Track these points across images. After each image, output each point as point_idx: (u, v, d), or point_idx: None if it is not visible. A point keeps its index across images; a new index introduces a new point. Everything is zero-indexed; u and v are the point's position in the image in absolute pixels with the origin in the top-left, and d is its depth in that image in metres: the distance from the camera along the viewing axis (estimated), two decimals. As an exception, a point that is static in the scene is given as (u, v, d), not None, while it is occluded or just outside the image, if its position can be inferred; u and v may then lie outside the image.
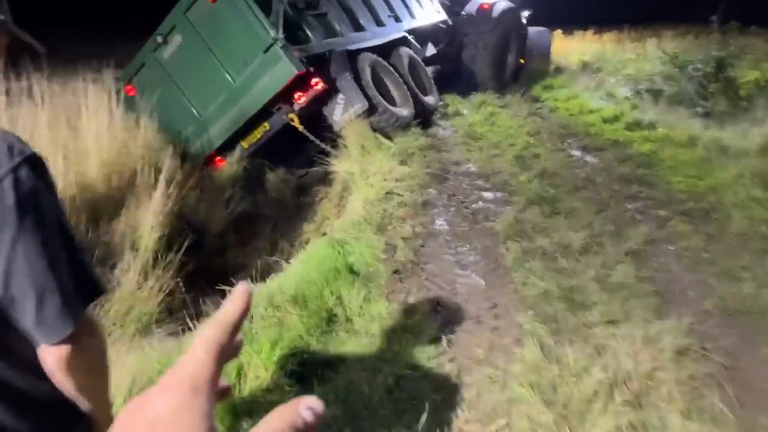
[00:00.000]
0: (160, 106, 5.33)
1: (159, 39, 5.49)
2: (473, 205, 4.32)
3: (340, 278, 3.03)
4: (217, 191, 5.35)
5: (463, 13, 10.42)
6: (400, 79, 6.79)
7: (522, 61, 11.19)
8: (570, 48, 15.00)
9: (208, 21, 5.27)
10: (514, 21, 10.57)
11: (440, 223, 3.97)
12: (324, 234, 4.84)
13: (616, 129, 6.20)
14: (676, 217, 3.79)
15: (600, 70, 11.41)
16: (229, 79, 5.44)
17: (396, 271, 3.18)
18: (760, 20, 12.66)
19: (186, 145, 5.79)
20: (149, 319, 3.00)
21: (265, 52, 5.15)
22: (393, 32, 7.56)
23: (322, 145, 5.81)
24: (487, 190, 4.67)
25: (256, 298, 2.83)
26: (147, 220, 3.50)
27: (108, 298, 2.90)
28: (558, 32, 15.36)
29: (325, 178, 6.08)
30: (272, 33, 5.03)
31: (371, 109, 5.94)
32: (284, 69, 5.17)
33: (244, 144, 5.93)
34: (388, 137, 6.07)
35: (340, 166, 5.63)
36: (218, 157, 5.95)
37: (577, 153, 5.60)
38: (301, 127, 5.66)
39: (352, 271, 3.20)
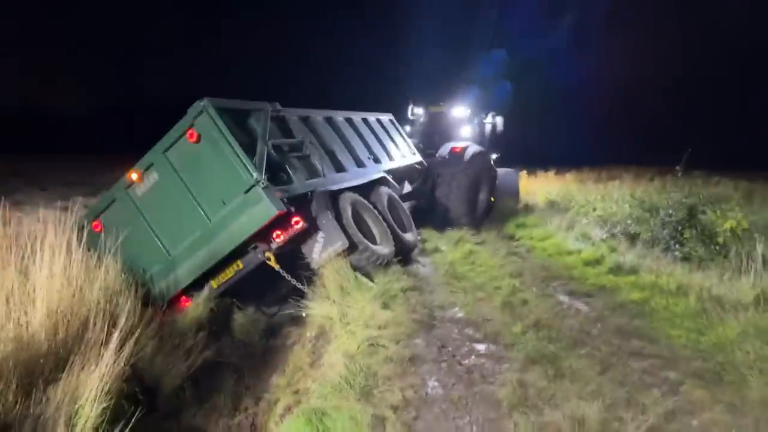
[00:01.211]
0: (127, 245, 5.03)
1: (134, 177, 5.32)
2: (466, 361, 3.92)
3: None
4: (178, 338, 4.80)
5: (437, 155, 10.98)
6: (380, 217, 6.74)
7: (492, 199, 11.61)
8: (535, 186, 15.78)
9: (187, 160, 5.19)
10: (484, 163, 11.14)
11: (433, 385, 3.52)
12: (296, 392, 4.30)
13: (599, 273, 6.11)
14: (688, 381, 3.48)
15: (568, 210, 11.84)
16: (205, 217, 5.22)
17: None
18: (720, 169, 13.74)
19: (151, 285, 5.37)
20: None
21: (246, 192, 5.02)
22: (373, 172, 7.70)
23: (298, 285, 5.48)
24: (478, 341, 4.31)
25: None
26: (91, 386, 2.95)
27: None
28: (522, 173, 16.26)
29: (299, 320, 5.65)
30: (255, 175, 4.93)
31: (351, 248, 5.76)
32: (265, 209, 5.01)
33: (214, 283, 5.54)
34: (369, 277, 5.80)
35: (317, 308, 5.24)
36: (183, 297, 5.51)
37: (564, 299, 5.39)
38: (277, 266, 5.36)
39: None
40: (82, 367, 3.12)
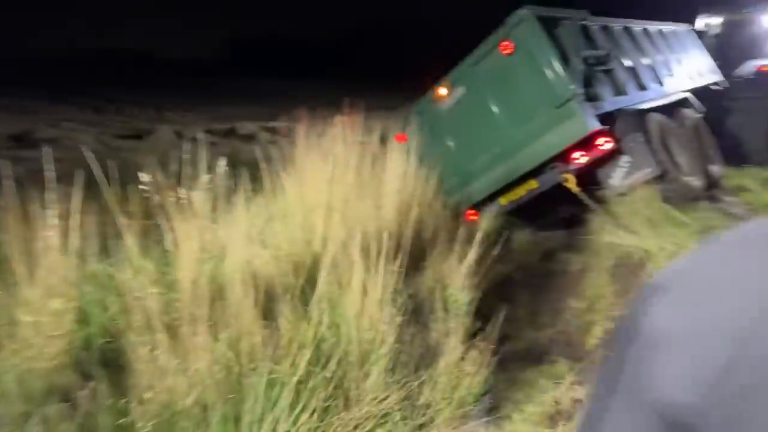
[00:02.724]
0: (427, 156, 5.27)
1: (443, 92, 5.49)
2: None
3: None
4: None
5: (734, 75, 9.04)
6: (689, 144, 5.86)
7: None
8: None
9: (496, 74, 5.12)
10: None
11: None
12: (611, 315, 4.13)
13: None
14: None
15: None
16: (508, 133, 5.17)
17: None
18: None
19: (447, 197, 5.65)
20: (474, 399, 2.61)
21: (558, 107, 4.76)
22: (675, 92, 6.68)
23: (596, 211, 5.16)
24: None
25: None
26: (457, 279, 3.20)
27: (433, 367, 2.58)
28: None
29: (586, 247, 5.39)
30: (572, 87, 4.62)
31: (660, 176, 5.14)
32: (579, 125, 4.72)
33: (503, 200, 5.57)
34: (677, 211, 5.17)
35: (620, 238, 4.89)
36: (472, 211, 5.68)
37: None
38: (577, 189, 5.10)
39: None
40: (442, 262, 3.39)
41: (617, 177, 5.29)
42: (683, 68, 7.48)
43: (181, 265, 2.36)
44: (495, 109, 5.22)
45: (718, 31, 10.46)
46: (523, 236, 5.75)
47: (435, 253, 3.48)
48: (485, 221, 5.50)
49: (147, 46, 24.19)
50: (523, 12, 4.78)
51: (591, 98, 5.04)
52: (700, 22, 10.58)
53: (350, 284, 2.56)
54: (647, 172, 5.11)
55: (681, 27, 8.52)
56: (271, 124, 9.87)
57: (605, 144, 4.93)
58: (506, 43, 4.92)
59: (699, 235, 4.60)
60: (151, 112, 13.43)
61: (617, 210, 5.26)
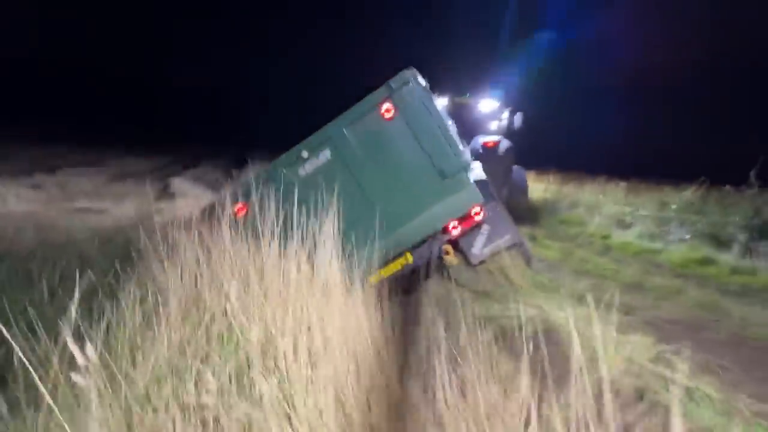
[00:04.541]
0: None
1: (304, 154, 4.49)
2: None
3: None
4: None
5: (471, 149, 10.74)
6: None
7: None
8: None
9: (371, 139, 4.46)
10: (513, 159, 11.15)
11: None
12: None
13: (723, 273, 6.24)
14: None
15: (575, 207, 12.14)
16: (387, 205, 4.52)
17: None
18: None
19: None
20: None
21: (447, 177, 4.42)
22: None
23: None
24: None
25: None
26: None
27: None
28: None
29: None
30: (465, 157, 4.37)
31: (516, 243, 5.35)
32: (470, 196, 4.46)
33: (383, 273, 4.87)
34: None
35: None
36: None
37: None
38: (456, 261, 4.82)
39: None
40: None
41: (478, 245, 5.26)
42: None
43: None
44: (368, 177, 4.53)
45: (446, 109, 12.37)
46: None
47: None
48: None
49: None
50: (410, 73, 4.33)
51: (462, 168, 4.92)
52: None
53: None
54: (506, 239, 5.23)
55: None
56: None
57: (479, 214, 4.83)
58: (388, 105, 4.36)
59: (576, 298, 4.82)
60: None
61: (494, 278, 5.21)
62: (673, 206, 9.26)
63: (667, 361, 3.23)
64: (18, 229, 5.52)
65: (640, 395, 3.02)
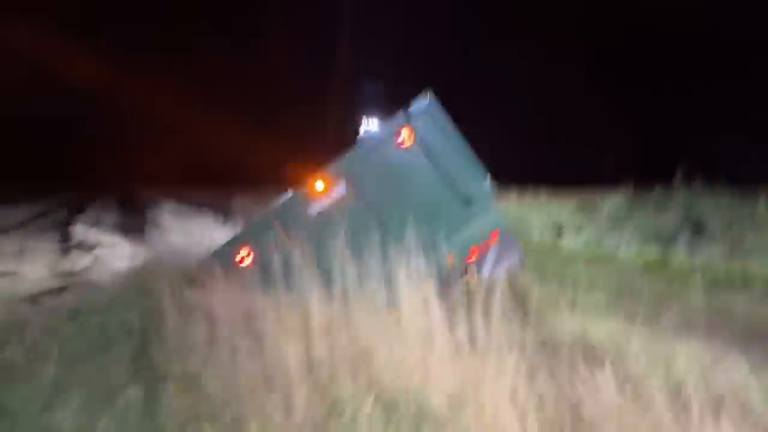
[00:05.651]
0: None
1: (319, 187, 3.96)
2: None
3: None
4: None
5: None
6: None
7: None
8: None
9: (388, 169, 4.08)
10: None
11: None
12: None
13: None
14: None
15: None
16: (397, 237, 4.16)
17: None
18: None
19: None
20: None
21: (470, 204, 4.16)
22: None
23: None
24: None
25: None
26: None
27: None
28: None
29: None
30: (488, 182, 4.14)
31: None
32: (492, 220, 4.24)
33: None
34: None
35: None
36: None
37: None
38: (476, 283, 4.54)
39: None
40: None
41: (487, 268, 5.05)
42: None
43: None
44: (387, 208, 4.12)
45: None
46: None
47: None
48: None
49: None
50: (428, 97, 4.02)
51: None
52: (365, 123, 12.08)
53: None
54: (514, 261, 5.07)
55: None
56: None
57: (493, 238, 4.63)
58: (406, 134, 4.01)
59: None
60: None
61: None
62: (605, 211, 9.83)
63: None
64: None
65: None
